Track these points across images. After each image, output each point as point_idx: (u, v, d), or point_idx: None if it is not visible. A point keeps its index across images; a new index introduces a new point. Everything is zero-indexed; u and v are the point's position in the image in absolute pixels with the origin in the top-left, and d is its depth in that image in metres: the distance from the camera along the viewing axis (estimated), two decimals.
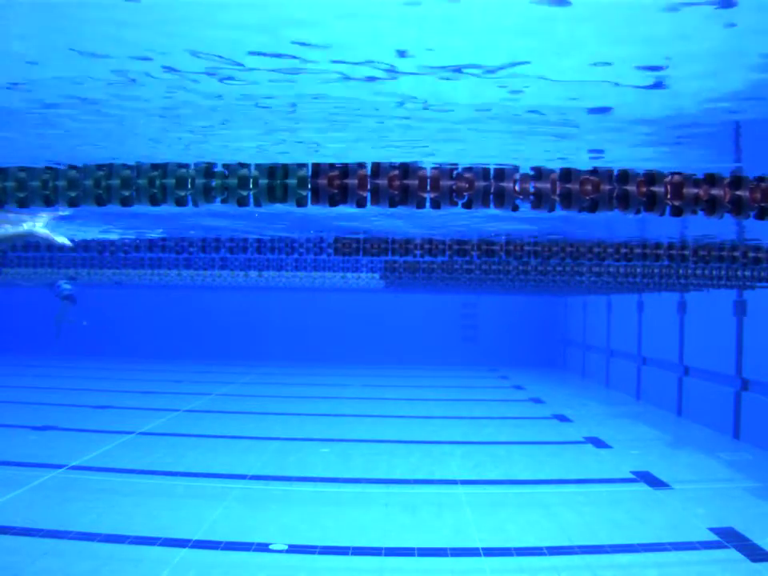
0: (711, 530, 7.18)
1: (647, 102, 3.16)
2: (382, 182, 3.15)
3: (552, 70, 2.80)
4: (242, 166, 3.28)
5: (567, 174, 3.13)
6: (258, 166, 3.29)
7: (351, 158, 3.47)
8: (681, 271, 8.95)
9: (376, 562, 6.34)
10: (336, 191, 3.11)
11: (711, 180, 3.07)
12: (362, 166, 3.21)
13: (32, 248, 8.91)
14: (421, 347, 25.18)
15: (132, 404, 14.73)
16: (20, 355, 23.38)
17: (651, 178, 3.10)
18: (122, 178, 3.29)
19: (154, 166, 3.32)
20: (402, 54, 2.65)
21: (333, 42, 2.58)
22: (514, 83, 2.92)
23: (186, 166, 3.30)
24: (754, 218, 3.09)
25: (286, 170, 3.24)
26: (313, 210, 3.94)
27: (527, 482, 9.19)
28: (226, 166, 3.31)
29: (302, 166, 3.23)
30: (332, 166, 3.23)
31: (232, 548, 6.56)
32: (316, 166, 3.22)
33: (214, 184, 3.21)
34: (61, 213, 5.99)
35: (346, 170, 3.19)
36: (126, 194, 3.29)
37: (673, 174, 3.10)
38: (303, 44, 2.58)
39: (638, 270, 9.25)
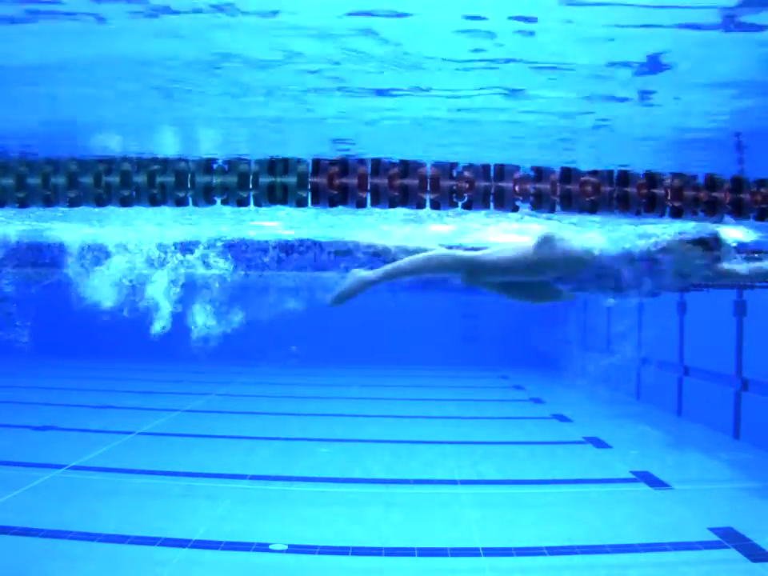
0: (711, 529, 7.17)
1: None
2: (382, 181, 3.15)
3: None
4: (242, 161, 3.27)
5: (567, 175, 3.13)
6: (258, 162, 3.28)
7: None
8: None
9: (376, 561, 6.34)
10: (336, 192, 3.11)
11: (712, 183, 3.07)
12: (362, 162, 3.21)
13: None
14: (421, 347, 25.15)
15: (132, 404, 14.72)
16: (19, 355, 23.35)
17: (651, 179, 3.10)
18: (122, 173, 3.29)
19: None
20: None
21: None
22: None
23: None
24: (754, 219, 3.09)
25: (285, 165, 3.23)
26: None
27: (527, 482, 9.19)
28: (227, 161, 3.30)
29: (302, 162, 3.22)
30: (332, 162, 3.22)
31: (232, 548, 6.56)
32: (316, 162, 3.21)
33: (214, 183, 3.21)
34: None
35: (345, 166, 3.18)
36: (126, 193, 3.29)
37: (673, 175, 3.10)
38: None
39: None
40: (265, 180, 3.24)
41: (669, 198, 3.07)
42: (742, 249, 5.86)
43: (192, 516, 7.37)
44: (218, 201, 3.35)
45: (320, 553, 6.48)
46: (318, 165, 3.23)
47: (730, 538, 6.93)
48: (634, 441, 11.87)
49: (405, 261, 4.50)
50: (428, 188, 3.18)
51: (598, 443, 11.61)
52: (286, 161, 3.23)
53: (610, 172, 3.17)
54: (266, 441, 11.31)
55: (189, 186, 3.32)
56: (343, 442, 11.42)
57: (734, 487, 8.93)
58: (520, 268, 4.39)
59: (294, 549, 6.58)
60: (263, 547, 6.59)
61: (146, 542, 6.55)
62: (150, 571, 5.94)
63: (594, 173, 3.16)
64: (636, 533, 7.09)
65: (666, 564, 6.36)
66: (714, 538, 6.96)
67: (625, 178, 3.10)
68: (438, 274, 4.72)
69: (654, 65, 2.56)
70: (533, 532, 7.12)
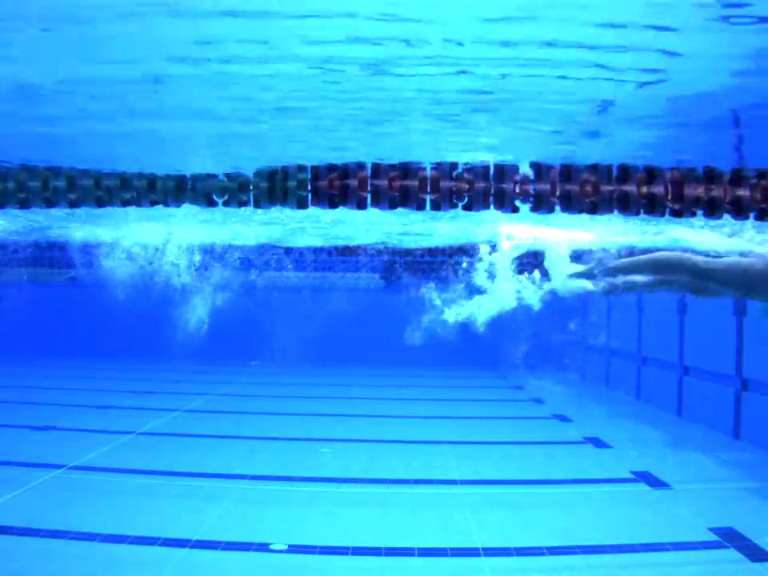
0: (711, 530, 7.17)
1: None
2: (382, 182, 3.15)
3: None
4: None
5: (567, 173, 3.13)
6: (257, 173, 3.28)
7: None
8: None
9: (376, 561, 6.34)
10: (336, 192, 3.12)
11: (711, 177, 3.07)
12: (361, 166, 3.21)
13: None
14: (421, 347, 25.10)
15: (132, 404, 14.71)
16: (19, 355, 23.35)
17: (651, 175, 3.09)
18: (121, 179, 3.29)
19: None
20: None
21: None
22: None
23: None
24: (755, 218, 3.09)
25: (285, 172, 3.24)
26: None
27: (527, 481, 9.18)
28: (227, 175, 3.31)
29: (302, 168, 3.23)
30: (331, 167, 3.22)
31: (232, 548, 6.55)
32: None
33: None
34: None
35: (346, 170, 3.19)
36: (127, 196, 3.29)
37: (672, 170, 3.10)
38: None
39: None
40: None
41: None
42: None
43: (192, 516, 7.37)
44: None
45: (320, 553, 6.48)
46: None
47: (729, 538, 6.92)
48: (634, 441, 11.87)
49: (645, 257, 4.66)
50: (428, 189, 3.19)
51: (598, 443, 11.60)
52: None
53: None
54: (266, 441, 11.31)
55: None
56: (343, 441, 11.42)
57: (734, 487, 8.93)
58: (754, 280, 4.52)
59: (294, 549, 6.58)
60: (263, 547, 6.58)
61: (145, 542, 6.55)
62: (149, 571, 5.94)
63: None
64: (636, 533, 7.09)
65: (666, 564, 6.36)
66: (714, 538, 6.95)
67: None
68: (667, 275, 4.83)
69: None
70: (533, 532, 7.11)
